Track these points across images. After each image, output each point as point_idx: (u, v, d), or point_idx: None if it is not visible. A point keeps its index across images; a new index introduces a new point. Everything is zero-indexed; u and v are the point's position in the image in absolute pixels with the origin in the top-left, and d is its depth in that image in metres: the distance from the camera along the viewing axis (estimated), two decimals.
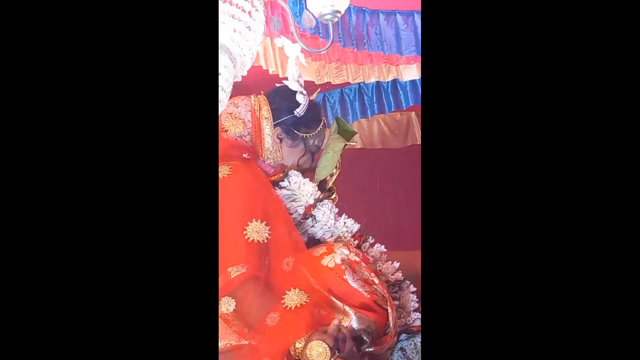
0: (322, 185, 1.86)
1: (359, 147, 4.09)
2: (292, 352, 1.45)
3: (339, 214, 1.78)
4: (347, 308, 1.47)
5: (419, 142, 4.29)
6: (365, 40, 2.83)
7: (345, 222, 1.74)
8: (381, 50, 2.73)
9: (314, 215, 1.72)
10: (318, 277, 1.54)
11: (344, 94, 3.75)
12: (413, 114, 4.24)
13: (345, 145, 1.89)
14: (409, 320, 1.63)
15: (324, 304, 1.50)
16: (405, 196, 4.37)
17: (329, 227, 1.73)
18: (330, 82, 3.23)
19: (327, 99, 3.74)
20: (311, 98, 1.83)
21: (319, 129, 1.82)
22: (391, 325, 1.47)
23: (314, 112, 1.83)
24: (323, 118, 1.86)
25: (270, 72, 2.77)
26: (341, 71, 3.23)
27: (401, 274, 1.68)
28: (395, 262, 1.69)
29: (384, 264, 1.68)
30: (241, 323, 1.51)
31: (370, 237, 1.73)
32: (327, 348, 1.38)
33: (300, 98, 1.76)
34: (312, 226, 1.71)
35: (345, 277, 1.52)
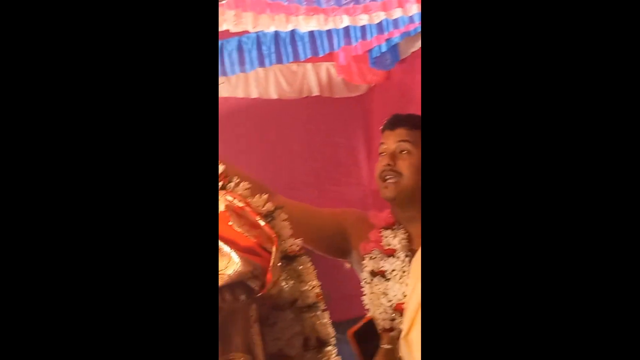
0: None
1: (254, 96, 4.07)
2: None
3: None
4: (232, 253, 1.49)
5: (314, 93, 4.32)
6: None
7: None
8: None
9: None
10: None
11: (241, 42, 3.70)
12: (309, 65, 4.25)
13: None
14: (289, 246, 1.68)
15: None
16: (298, 147, 4.42)
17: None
18: (228, 30, 3.18)
19: (225, 46, 3.68)
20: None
21: None
22: (271, 263, 1.51)
23: None
24: None
25: None
26: (240, 19, 3.18)
27: (271, 205, 1.72)
28: (263, 194, 1.72)
29: (252, 198, 1.71)
30: None
31: (235, 178, 1.75)
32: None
33: None
34: None
35: (230, 223, 1.54)
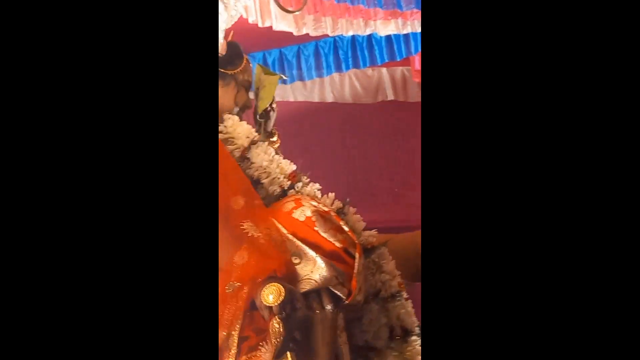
0: (263, 117, 1.93)
1: (330, 100, 4.11)
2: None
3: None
4: (318, 258, 1.50)
5: (389, 98, 4.32)
6: None
7: (279, 164, 1.77)
8: (377, 5, 2.74)
9: (249, 157, 1.74)
10: (290, 230, 1.57)
11: (319, 47, 3.74)
12: (385, 69, 4.26)
13: (280, 78, 1.99)
14: (365, 239, 1.68)
15: (296, 253, 1.51)
16: (372, 151, 4.43)
17: (264, 169, 1.75)
18: (308, 34, 3.22)
19: (302, 51, 3.73)
20: (228, 39, 1.86)
21: (243, 64, 1.86)
22: (355, 270, 1.50)
23: (235, 50, 1.85)
24: (245, 55, 1.89)
25: None
26: (320, 23, 3.22)
27: (340, 202, 1.72)
28: (330, 193, 1.72)
29: (320, 198, 1.71)
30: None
31: (305, 177, 1.76)
32: (281, 290, 1.40)
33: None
34: (248, 168, 1.74)
35: (316, 228, 1.55)
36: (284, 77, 1.98)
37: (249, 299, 1.41)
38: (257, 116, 1.92)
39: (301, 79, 3.80)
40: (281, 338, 1.36)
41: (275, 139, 1.95)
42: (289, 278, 1.44)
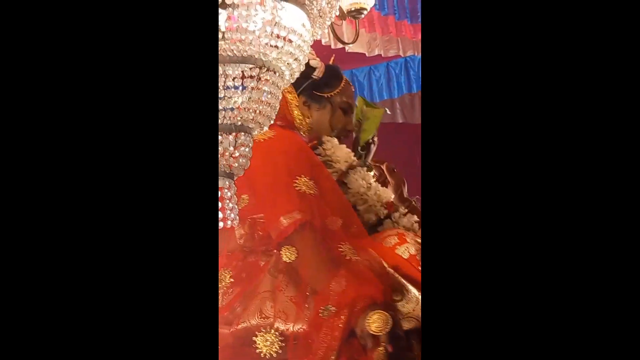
0: (364, 150, 1.91)
1: (401, 121, 4.09)
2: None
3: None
4: (420, 295, 1.46)
5: None
6: (419, 13, 2.82)
7: (377, 192, 1.74)
8: None
9: (346, 183, 1.72)
10: (392, 265, 1.53)
11: (390, 67, 3.74)
12: None
13: (385, 110, 1.99)
14: None
15: (397, 289, 1.48)
16: None
17: (361, 195, 1.73)
18: (380, 55, 3.23)
19: (373, 72, 3.74)
20: (330, 62, 1.86)
21: (341, 85, 1.84)
22: None
23: (333, 72, 1.84)
24: (344, 76, 1.88)
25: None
26: (392, 44, 3.22)
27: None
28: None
29: (417, 231, 1.67)
30: (301, 284, 1.48)
31: (402, 208, 1.72)
32: (389, 319, 1.37)
33: (313, 62, 1.77)
34: (345, 193, 1.72)
35: (419, 268, 1.50)
36: (388, 112, 1.96)
37: (347, 327, 1.39)
38: (359, 148, 1.90)
39: (372, 99, 3.80)
40: None
41: (372, 173, 1.91)
42: (389, 307, 1.41)
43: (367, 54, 3.17)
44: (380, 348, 1.32)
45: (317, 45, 2.96)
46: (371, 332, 1.34)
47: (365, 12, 2.46)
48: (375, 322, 1.35)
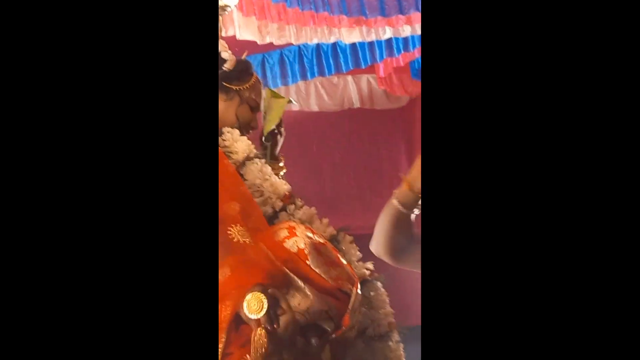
0: (269, 140, 1.90)
1: (296, 109, 4.08)
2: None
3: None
4: (308, 291, 1.44)
5: (356, 105, 4.31)
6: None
7: (272, 184, 1.72)
8: (342, 13, 2.74)
9: (242, 174, 1.70)
10: (280, 259, 1.51)
11: (284, 55, 3.71)
12: (350, 77, 4.25)
13: (289, 101, 2.00)
14: (361, 271, 1.62)
15: (283, 283, 1.46)
16: (340, 159, 4.41)
17: (257, 187, 1.71)
18: (272, 43, 3.19)
19: (267, 60, 3.70)
20: (242, 57, 1.85)
21: (252, 81, 1.82)
22: (350, 306, 1.44)
23: (244, 66, 1.84)
24: (254, 72, 1.87)
25: None
26: (283, 32, 3.19)
27: (333, 228, 1.68)
28: (324, 218, 1.68)
29: (312, 224, 1.66)
30: None
31: (299, 200, 1.72)
32: (264, 299, 1.35)
33: (225, 55, 1.78)
34: (241, 185, 1.69)
35: (308, 262, 1.49)
36: (294, 102, 1.94)
37: (232, 314, 1.37)
38: (263, 138, 1.89)
39: (266, 86, 3.77)
40: (264, 349, 1.31)
41: (282, 164, 1.91)
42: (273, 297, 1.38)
43: (258, 42, 3.13)
44: (260, 330, 1.31)
45: (232, 40, 2.91)
46: (248, 315, 1.33)
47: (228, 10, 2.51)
48: (251, 305, 1.34)
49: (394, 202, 1.29)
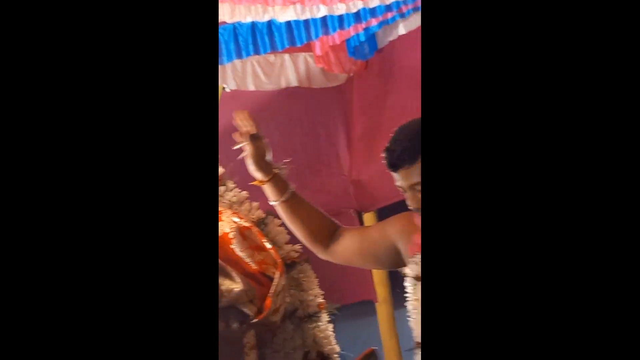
0: None
1: (232, 88, 4.03)
2: None
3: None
4: (234, 273, 1.44)
5: (293, 84, 4.28)
6: None
7: None
8: None
9: None
10: None
11: (218, 34, 3.65)
12: (287, 55, 4.21)
13: (223, 88, 2.01)
14: (287, 252, 1.63)
15: None
16: (278, 139, 4.38)
17: None
18: None
19: None
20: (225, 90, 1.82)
21: None
22: (273, 290, 1.45)
23: None
24: None
25: None
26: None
27: (262, 211, 1.68)
28: (253, 201, 1.68)
29: (241, 206, 1.66)
30: None
31: (231, 182, 1.71)
32: None
33: None
34: None
35: (232, 246, 1.49)
36: (227, 90, 1.92)
37: None
38: None
39: None
40: None
41: None
42: None
43: None
44: None
45: None
46: None
47: None
48: None
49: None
